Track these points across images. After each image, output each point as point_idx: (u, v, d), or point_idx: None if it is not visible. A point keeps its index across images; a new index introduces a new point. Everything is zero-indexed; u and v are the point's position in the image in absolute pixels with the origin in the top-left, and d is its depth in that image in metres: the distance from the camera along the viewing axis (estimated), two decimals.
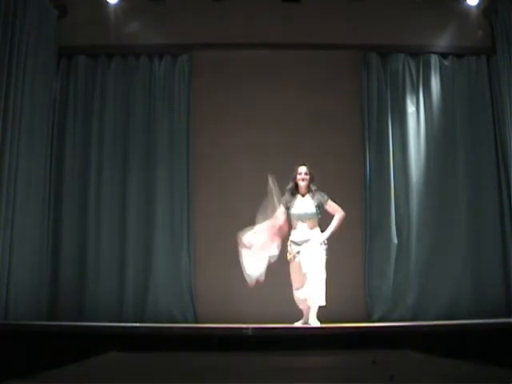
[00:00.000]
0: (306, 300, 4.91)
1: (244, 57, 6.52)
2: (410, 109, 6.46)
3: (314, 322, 4.76)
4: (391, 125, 6.41)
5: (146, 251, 6.14)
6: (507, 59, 6.14)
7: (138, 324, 5.54)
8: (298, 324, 4.98)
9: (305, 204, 5.05)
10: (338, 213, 5.08)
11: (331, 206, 5.09)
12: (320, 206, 5.05)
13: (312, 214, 5.01)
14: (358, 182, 6.33)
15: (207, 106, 6.42)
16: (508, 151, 6.10)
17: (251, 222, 5.24)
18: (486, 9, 6.43)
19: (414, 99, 6.48)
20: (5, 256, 5.15)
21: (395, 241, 6.15)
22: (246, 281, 4.96)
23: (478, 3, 6.36)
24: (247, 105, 6.40)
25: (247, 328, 4.17)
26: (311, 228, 5.00)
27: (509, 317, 5.77)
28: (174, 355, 3.53)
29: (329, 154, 6.30)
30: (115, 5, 6.37)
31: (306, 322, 4.91)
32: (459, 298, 5.97)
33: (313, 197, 5.07)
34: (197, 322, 5.91)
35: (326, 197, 5.09)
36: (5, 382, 2.47)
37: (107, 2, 6.34)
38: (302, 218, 5.01)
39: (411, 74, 6.54)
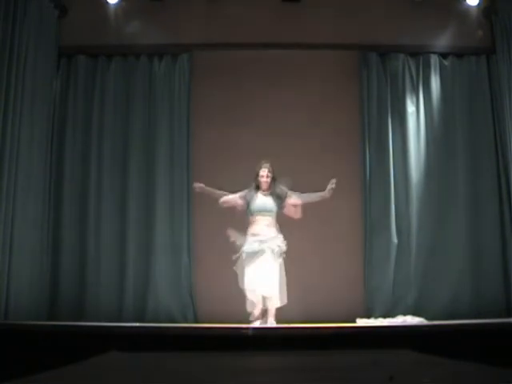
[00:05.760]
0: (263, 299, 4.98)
1: (244, 57, 6.52)
2: (410, 109, 6.46)
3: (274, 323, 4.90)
4: (391, 125, 6.41)
5: (146, 251, 6.14)
6: (507, 59, 6.14)
7: (138, 324, 5.54)
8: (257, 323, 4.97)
9: (265, 199, 5.16)
10: (304, 195, 5.16)
11: (293, 194, 5.16)
12: (280, 199, 5.14)
13: (270, 209, 5.12)
14: (358, 182, 6.33)
15: (207, 106, 6.42)
16: (508, 150, 6.10)
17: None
18: (486, 9, 6.43)
19: (414, 99, 6.48)
20: (5, 256, 5.15)
21: (395, 240, 6.16)
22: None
23: (478, 3, 6.36)
24: (247, 105, 6.40)
25: (247, 328, 4.18)
26: (270, 225, 5.09)
27: (509, 317, 5.77)
28: (173, 355, 3.53)
29: (329, 154, 6.30)
30: (115, 5, 6.37)
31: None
32: (459, 297, 5.97)
33: (272, 193, 5.17)
34: (197, 322, 5.92)
35: (285, 189, 5.17)
36: (5, 381, 2.47)
37: (107, 2, 6.34)
38: (261, 212, 5.11)
39: (411, 74, 6.54)
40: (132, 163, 6.30)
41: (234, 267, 5.12)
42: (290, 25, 6.41)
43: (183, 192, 6.24)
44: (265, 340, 4.03)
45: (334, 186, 5.11)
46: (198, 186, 5.28)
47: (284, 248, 5.06)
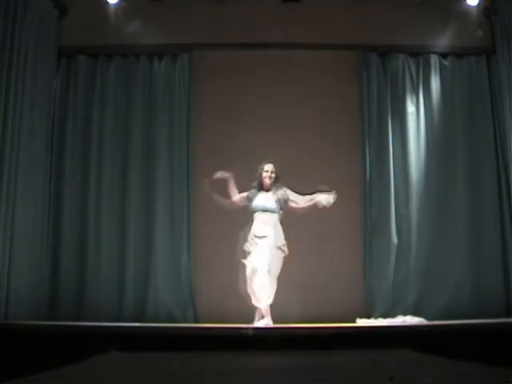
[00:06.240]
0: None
1: (244, 56, 6.52)
2: (410, 109, 6.45)
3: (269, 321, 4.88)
4: (391, 125, 6.41)
5: (146, 251, 6.14)
6: (507, 59, 6.14)
7: (138, 324, 5.54)
8: (261, 323, 4.96)
9: (266, 198, 5.16)
10: (304, 198, 5.14)
11: (297, 197, 5.15)
12: (281, 202, 5.12)
13: (272, 209, 5.10)
14: (358, 182, 6.33)
15: (207, 106, 6.42)
16: (508, 150, 6.10)
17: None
18: (486, 9, 6.43)
19: (414, 99, 6.48)
20: (5, 256, 5.16)
21: (395, 240, 6.15)
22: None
23: (478, 3, 6.35)
24: (247, 105, 6.40)
25: (247, 328, 4.18)
26: (270, 224, 5.07)
27: (509, 317, 5.77)
28: (173, 355, 3.53)
29: (329, 154, 6.31)
30: (115, 5, 6.37)
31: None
32: (459, 297, 5.97)
33: (274, 192, 5.17)
34: (197, 322, 5.91)
35: (287, 192, 5.17)
36: (5, 382, 2.47)
37: (107, 2, 6.34)
38: (262, 211, 5.11)
39: (411, 74, 6.54)
40: (132, 162, 6.30)
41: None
42: (290, 25, 6.40)
43: (183, 191, 6.24)
44: (265, 340, 4.03)
45: (332, 201, 5.08)
46: (223, 174, 5.24)
47: (282, 246, 5.05)
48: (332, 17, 6.48)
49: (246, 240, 5.11)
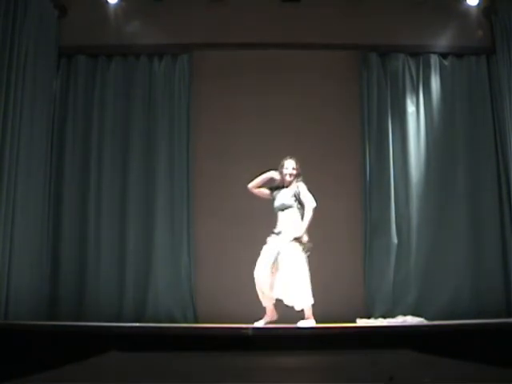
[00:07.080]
0: (273, 299, 4.98)
1: (244, 57, 6.53)
2: (410, 109, 6.46)
3: (312, 323, 4.85)
4: (391, 125, 6.41)
5: (146, 251, 6.14)
6: (507, 59, 6.14)
7: (138, 324, 5.54)
8: (260, 323, 4.96)
9: (284, 195, 5.10)
10: (306, 205, 5.04)
11: (304, 197, 5.07)
12: (297, 197, 5.07)
13: (289, 205, 5.04)
14: (358, 182, 6.33)
15: (207, 106, 6.42)
16: (508, 150, 6.10)
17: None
18: (486, 9, 6.43)
19: (414, 99, 6.48)
20: (5, 256, 5.15)
21: (395, 240, 6.15)
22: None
23: (478, 3, 6.36)
24: (247, 104, 6.40)
25: (247, 328, 4.17)
26: (289, 220, 5.01)
27: (509, 317, 5.77)
28: (173, 355, 3.52)
29: (329, 154, 6.31)
30: (115, 5, 6.37)
31: (268, 323, 4.97)
32: (459, 297, 5.97)
33: (292, 188, 5.12)
34: (197, 322, 5.91)
35: (300, 187, 5.09)
36: (5, 382, 2.47)
37: (107, 2, 6.35)
38: (280, 208, 5.06)
39: (411, 74, 6.54)
40: (132, 163, 6.30)
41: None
42: (290, 25, 6.40)
43: (183, 191, 6.24)
44: (265, 340, 4.03)
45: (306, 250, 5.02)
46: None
47: (305, 238, 4.98)
48: (332, 17, 6.49)
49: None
